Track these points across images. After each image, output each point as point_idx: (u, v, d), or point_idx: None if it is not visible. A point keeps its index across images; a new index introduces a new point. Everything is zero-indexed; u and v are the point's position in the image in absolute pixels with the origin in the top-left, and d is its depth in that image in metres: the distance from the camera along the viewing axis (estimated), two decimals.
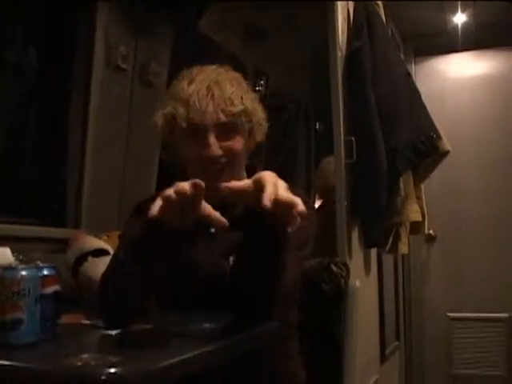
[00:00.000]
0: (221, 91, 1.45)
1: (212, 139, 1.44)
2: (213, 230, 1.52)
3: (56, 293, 1.21)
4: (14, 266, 1.14)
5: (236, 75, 1.54)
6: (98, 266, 1.91)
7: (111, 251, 2.00)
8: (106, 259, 1.92)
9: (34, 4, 2.40)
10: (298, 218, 1.09)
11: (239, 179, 1.32)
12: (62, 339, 1.22)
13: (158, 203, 1.12)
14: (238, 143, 1.48)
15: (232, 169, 1.48)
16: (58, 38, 2.51)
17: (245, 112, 1.47)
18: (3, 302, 1.09)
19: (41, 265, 1.21)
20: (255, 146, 1.58)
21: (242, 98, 1.47)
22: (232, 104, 1.45)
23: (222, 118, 1.44)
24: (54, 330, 1.20)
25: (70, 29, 2.46)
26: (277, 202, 1.07)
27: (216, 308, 1.30)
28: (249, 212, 1.20)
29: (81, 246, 2.01)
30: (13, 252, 1.51)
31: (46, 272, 1.19)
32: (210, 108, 1.43)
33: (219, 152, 1.45)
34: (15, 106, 2.50)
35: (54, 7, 2.40)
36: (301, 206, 1.08)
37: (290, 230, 1.13)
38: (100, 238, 2.11)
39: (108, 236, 2.15)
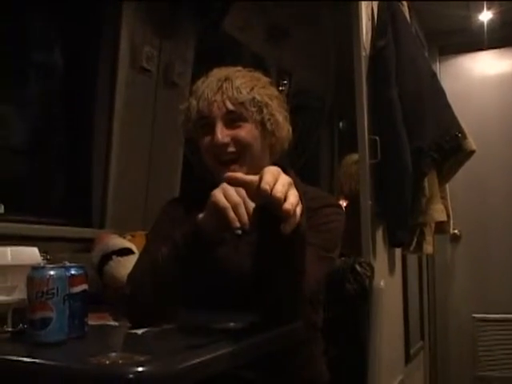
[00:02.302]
0: (230, 83, 1.49)
1: (219, 127, 1.47)
2: (239, 231, 1.52)
3: (83, 292, 1.23)
4: (42, 265, 1.16)
5: (255, 73, 1.57)
6: (123, 265, 1.93)
7: (135, 250, 2.01)
8: (131, 258, 1.94)
9: (59, 5, 2.43)
10: (293, 217, 1.08)
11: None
12: (90, 338, 1.23)
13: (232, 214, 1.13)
14: (246, 131, 1.50)
15: (244, 160, 1.50)
16: (83, 38, 2.53)
17: (253, 101, 1.49)
18: (32, 301, 1.11)
19: (68, 264, 1.22)
20: (280, 142, 1.57)
21: (252, 88, 1.50)
22: (239, 93, 1.48)
23: (229, 106, 1.48)
24: (82, 329, 1.22)
25: (95, 29, 2.48)
26: (268, 193, 1.07)
27: (242, 307, 1.31)
28: (260, 213, 1.20)
29: (105, 246, 2.03)
30: (40, 252, 1.52)
31: (73, 271, 1.21)
32: (218, 98, 1.48)
33: (226, 139, 1.47)
34: (41, 106, 2.53)
35: (80, 8, 2.42)
36: (288, 203, 1.08)
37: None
38: (124, 238, 2.13)
39: (132, 236, 2.16)
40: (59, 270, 1.14)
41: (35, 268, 1.13)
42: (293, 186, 1.11)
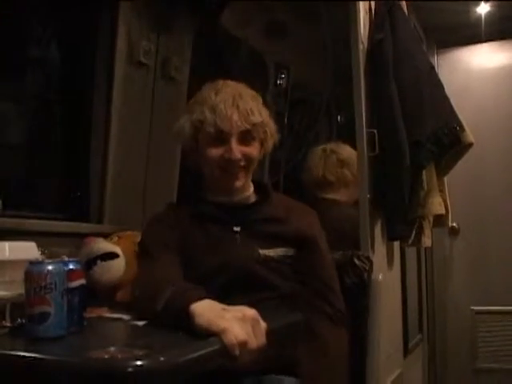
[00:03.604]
0: (244, 103, 1.66)
1: (235, 144, 1.64)
2: (237, 228, 1.68)
3: (82, 286, 1.24)
4: (40, 260, 1.16)
5: (254, 92, 1.75)
6: (107, 270, 1.95)
7: (120, 254, 2.00)
8: (115, 262, 1.97)
9: (56, 1, 2.42)
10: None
11: (246, 184, 1.74)
12: (89, 332, 1.24)
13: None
14: (255, 150, 1.71)
15: (247, 173, 1.71)
16: (81, 34, 2.52)
17: (262, 123, 1.69)
18: (31, 295, 1.11)
19: (66, 259, 1.23)
20: (263, 156, 1.80)
21: (259, 111, 1.70)
22: (253, 114, 1.66)
23: (246, 125, 1.65)
24: (80, 323, 1.22)
25: (92, 25, 2.48)
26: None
27: (246, 298, 1.35)
28: None
29: (90, 250, 2.02)
30: (38, 247, 1.53)
31: (71, 266, 1.21)
32: (236, 116, 1.64)
33: (239, 156, 1.65)
34: (39, 102, 2.52)
35: (77, 3, 2.41)
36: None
37: None
38: (111, 240, 2.12)
39: (119, 237, 2.14)
40: (57, 264, 1.14)
41: (33, 263, 1.14)
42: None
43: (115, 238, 2.11)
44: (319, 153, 2.73)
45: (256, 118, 1.66)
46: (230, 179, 1.68)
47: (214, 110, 1.63)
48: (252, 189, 1.80)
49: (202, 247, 1.64)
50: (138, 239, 1.82)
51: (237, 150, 1.64)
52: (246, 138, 1.67)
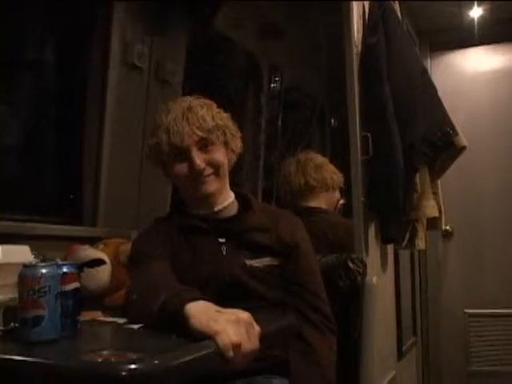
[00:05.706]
0: (194, 113, 1.69)
1: (195, 155, 1.67)
2: (222, 240, 1.71)
3: (76, 290, 1.23)
4: (34, 263, 1.16)
5: (207, 101, 1.78)
6: (94, 277, 1.95)
7: (107, 260, 2.00)
8: (102, 269, 1.97)
9: (50, 3, 2.42)
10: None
11: (224, 191, 1.75)
12: (83, 335, 1.23)
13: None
14: (220, 154, 1.72)
15: (218, 178, 1.73)
16: (75, 36, 2.52)
17: (217, 127, 1.71)
18: (24, 299, 1.11)
19: (60, 262, 1.22)
20: (235, 156, 1.81)
21: (212, 116, 1.72)
22: (205, 121, 1.69)
23: (198, 134, 1.68)
24: (74, 327, 1.21)
25: (86, 27, 2.47)
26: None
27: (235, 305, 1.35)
28: None
29: (76, 257, 2.01)
30: (31, 250, 1.52)
31: (65, 269, 1.21)
32: (187, 129, 1.67)
33: (203, 165, 1.68)
34: (33, 105, 2.52)
35: (71, 5, 2.41)
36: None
37: None
38: (97, 247, 2.11)
39: (105, 244, 2.13)
40: (51, 267, 1.14)
41: (27, 266, 1.13)
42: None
43: (101, 246, 2.11)
44: (294, 163, 2.75)
45: (208, 124, 1.68)
46: (200, 188, 1.70)
47: (167, 130, 1.67)
48: (232, 198, 1.81)
49: (188, 260, 1.67)
50: (124, 246, 1.82)
51: (199, 160, 1.67)
52: (205, 145, 1.69)
